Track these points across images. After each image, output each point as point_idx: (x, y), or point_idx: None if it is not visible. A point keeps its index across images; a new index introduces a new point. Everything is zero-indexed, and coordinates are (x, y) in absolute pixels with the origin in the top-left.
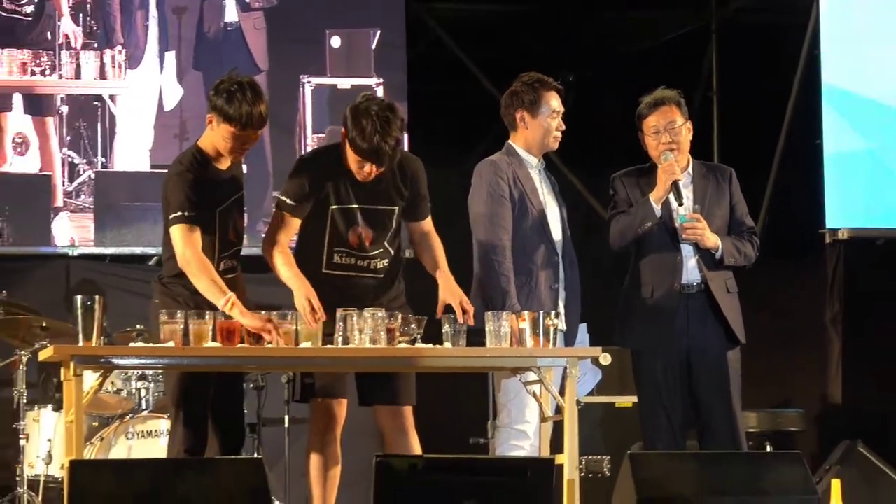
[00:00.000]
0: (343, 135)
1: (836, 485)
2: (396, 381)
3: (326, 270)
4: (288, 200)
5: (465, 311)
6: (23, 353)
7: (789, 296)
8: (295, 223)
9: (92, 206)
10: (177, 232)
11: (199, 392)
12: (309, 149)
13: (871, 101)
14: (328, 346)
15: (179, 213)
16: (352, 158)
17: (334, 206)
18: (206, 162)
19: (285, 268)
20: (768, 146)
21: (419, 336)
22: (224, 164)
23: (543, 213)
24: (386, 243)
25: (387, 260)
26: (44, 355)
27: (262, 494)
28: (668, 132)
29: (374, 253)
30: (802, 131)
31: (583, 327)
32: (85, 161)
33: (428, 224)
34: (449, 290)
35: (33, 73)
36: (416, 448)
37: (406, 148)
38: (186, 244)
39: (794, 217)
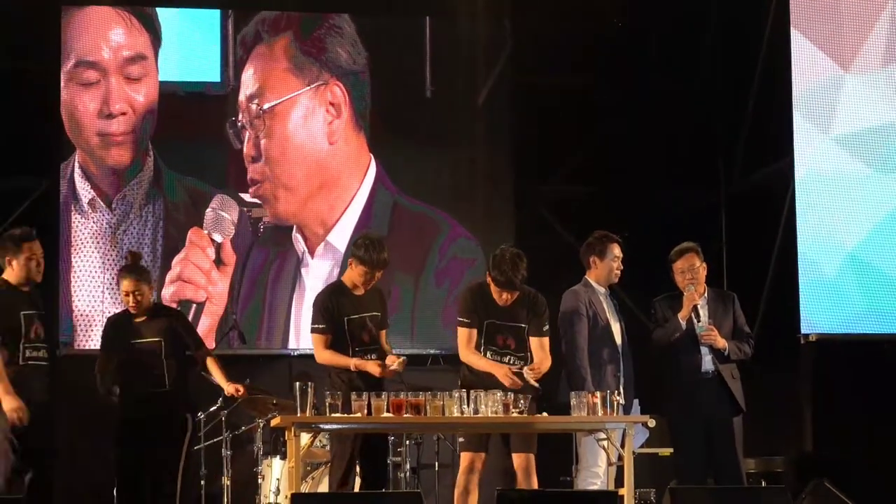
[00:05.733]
0: (488, 275)
1: None
2: (526, 437)
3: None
4: (464, 320)
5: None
6: (260, 420)
7: (776, 380)
8: (474, 333)
9: None
10: (314, 339)
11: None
12: None
13: (829, 247)
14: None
15: (314, 325)
16: (494, 290)
17: (487, 321)
18: (344, 290)
19: (480, 362)
20: (761, 277)
21: (525, 408)
22: (359, 293)
23: (608, 325)
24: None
25: (523, 353)
26: (275, 423)
27: None
28: (690, 272)
29: (517, 353)
30: (784, 267)
31: (636, 402)
32: None
33: (540, 340)
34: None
35: None
36: (535, 484)
37: None
38: (319, 348)
39: (779, 326)
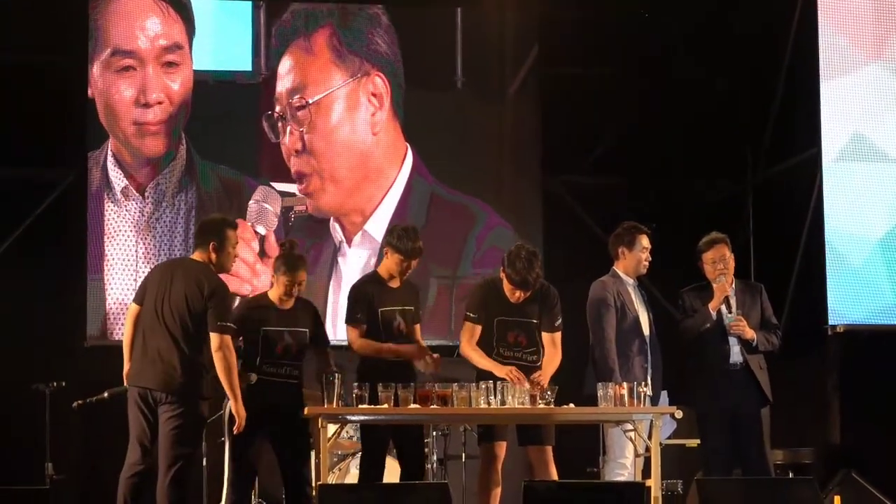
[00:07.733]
0: (502, 272)
1: (837, 500)
2: (542, 429)
3: (496, 357)
4: (472, 315)
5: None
6: None
7: (804, 371)
8: (478, 329)
9: None
10: (349, 331)
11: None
12: None
13: (857, 237)
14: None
15: (349, 316)
16: (507, 288)
17: (497, 318)
18: (379, 281)
19: (481, 360)
20: (788, 268)
21: (552, 399)
22: (394, 284)
23: (637, 316)
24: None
25: (535, 349)
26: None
27: None
28: (720, 262)
29: (528, 349)
30: (812, 257)
31: (664, 393)
32: None
33: (552, 336)
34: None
35: None
36: (554, 475)
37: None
38: (355, 339)
39: (806, 317)
